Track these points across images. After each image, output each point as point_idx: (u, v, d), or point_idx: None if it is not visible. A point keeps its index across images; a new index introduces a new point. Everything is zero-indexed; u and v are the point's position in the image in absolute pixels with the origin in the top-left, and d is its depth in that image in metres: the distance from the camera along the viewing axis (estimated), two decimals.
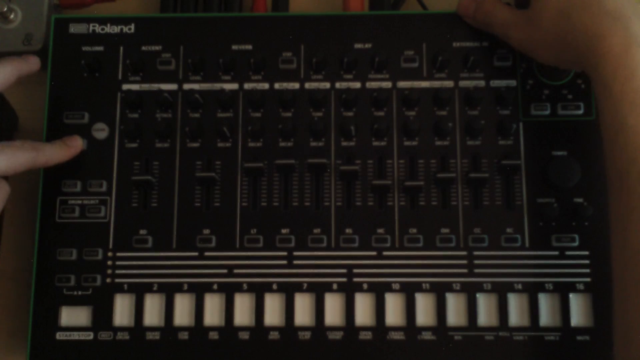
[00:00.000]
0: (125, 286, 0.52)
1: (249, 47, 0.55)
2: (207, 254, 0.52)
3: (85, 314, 0.52)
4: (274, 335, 0.51)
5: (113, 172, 0.54)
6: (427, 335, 0.51)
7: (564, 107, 0.54)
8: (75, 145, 0.53)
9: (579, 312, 0.51)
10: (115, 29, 0.56)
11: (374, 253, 0.52)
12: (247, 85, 0.55)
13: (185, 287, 0.52)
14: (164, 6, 0.60)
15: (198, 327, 0.51)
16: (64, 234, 0.53)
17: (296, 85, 0.55)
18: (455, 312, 0.51)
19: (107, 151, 0.54)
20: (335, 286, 0.51)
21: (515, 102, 0.54)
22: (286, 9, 0.59)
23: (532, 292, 0.51)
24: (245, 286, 0.52)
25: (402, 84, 0.55)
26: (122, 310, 0.52)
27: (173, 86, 0.55)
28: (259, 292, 0.51)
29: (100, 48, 0.56)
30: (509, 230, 0.52)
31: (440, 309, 0.51)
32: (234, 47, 0.55)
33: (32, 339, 0.51)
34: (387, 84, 0.55)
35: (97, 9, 0.61)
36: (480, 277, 0.51)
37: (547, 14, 0.48)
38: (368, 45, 0.55)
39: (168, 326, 0.51)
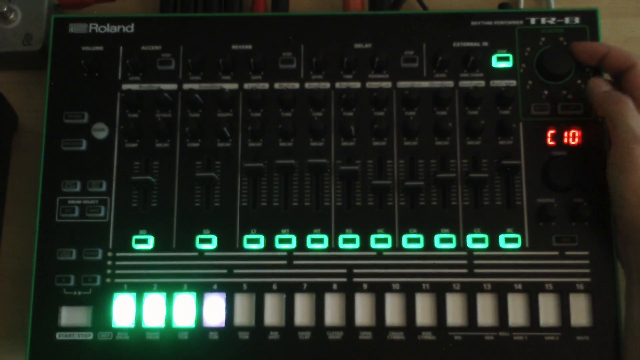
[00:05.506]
0: (125, 286, 0.52)
1: (249, 47, 0.55)
2: (207, 254, 0.52)
3: (85, 314, 0.52)
4: (274, 335, 0.51)
5: (113, 172, 0.54)
6: (427, 335, 0.51)
7: (564, 107, 0.54)
8: None
9: (578, 312, 0.51)
10: (115, 29, 0.56)
11: (374, 253, 0.52)
12: (247, 85, 0.55)
13: (185, 287, 0.52)
14: (164, 6, 0.60)
15: (198, 327, 0.51)
16: (64, 234, 0.53)
17: (296, 85, 0.55)
18: (455, 312, 0.51)
19: (107, 151, 0.54)
20: (335, 286, 0.51)
21: (515, 102, 0.54)
22: (286, 9, 0.59)
23: (532, 292, 0.51)
24: (245, 286, 0.52)
25: (402, 84, 0.55)
26: (122, 310, 0.52)
27: (173, 86, 0.55)
28: (259, 292, 0.51)
29: (100, 48, 0.56)
30: (509, 230, 0.52)
31: (440, 309, 0.51)
32: (234, 47, 0.55)
33: (32, 339, 0.51)
34: (387, 84, 0.55)
35: (97, 9, 0.61)
36: (480, 277, 0.51)
37: None
38: (368, 45, 0.55)
39: (168, 326, 0.51)
